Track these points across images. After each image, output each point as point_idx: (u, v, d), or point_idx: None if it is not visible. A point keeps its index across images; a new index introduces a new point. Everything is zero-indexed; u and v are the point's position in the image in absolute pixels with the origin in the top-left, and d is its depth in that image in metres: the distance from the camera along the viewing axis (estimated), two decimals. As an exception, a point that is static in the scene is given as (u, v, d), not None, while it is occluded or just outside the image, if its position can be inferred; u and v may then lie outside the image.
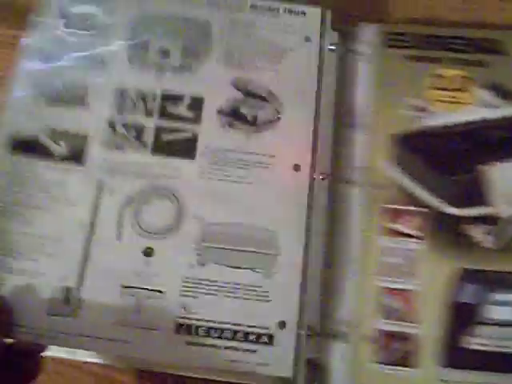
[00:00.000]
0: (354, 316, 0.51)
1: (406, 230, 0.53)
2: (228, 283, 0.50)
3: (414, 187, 0.55)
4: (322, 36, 0.58)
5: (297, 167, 0.53)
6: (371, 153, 0.55)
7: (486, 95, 0.58)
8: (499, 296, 0.52)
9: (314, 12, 0.58)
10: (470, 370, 0.50)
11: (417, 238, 0.53)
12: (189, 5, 0.58)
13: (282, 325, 0.49)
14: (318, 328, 0.50)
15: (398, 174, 0.55)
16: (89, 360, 0.48)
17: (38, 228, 0.50)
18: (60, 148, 0.52)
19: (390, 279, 0.52)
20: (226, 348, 0.48)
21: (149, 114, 0.53)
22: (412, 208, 0.54)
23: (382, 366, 0.49)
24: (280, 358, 0.48)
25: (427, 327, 0.50)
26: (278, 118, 0.54)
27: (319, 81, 0.56)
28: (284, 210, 0.51)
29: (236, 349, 0.48)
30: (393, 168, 0.55)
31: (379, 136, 0.56)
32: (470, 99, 0.58)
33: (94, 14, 0.56)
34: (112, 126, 0.53)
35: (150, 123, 0.53)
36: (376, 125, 0.56)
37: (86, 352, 0.48)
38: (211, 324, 0.49)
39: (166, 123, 0.53)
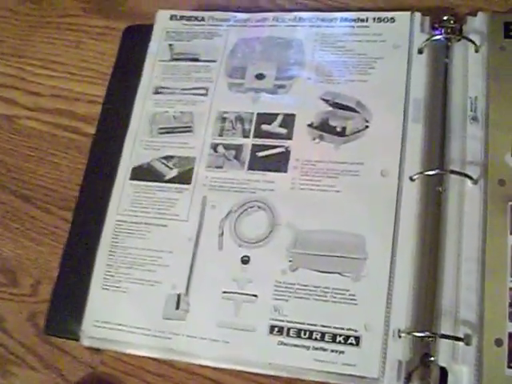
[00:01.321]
0: (481, 318, 0.50)
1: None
2: (318, 287, 0.52)
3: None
4: (410, 40, 0.59)
5: (384, 172, 0.54)
6: (492, 147, 0.54)
7: None
8: None
9: (403, 17, 0.60)
10: None
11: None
12: (281, 26, 0.63)
13: (369, 327, 0.50)
14: (429, 329, 0.50)
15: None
16: (196, 362, 0.53)
17: (154, 242, 0.57)
18: (171, 171, 0.59)
19: (519, 279, 0.50)
20: (315, 349, 0.51)
21: (245, 134, 0.59)
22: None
23: (513, 370, 0.47)
24: (366, 359, 0.49)
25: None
26: (366, 127, 0.57)
27: (407, 84, 0.57)
28: (371, 215, 0.53)
29: (324, 349, 0.50)
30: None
31: (500, 130, 0.55)
32: None
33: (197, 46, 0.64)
34: (214, 147, 0.59)
35: (247, 142, 0.59)
36: (495, 118, 0.56)
37: (194, 355, 0.53)
38: (301, 326, 0.51)
39: (260, 141, 0.59)
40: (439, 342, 0.49)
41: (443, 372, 0.49)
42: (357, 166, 0.55)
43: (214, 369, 0.52)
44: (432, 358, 0.49)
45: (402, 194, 0.54)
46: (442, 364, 0.49)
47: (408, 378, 0.49)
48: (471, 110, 0.56)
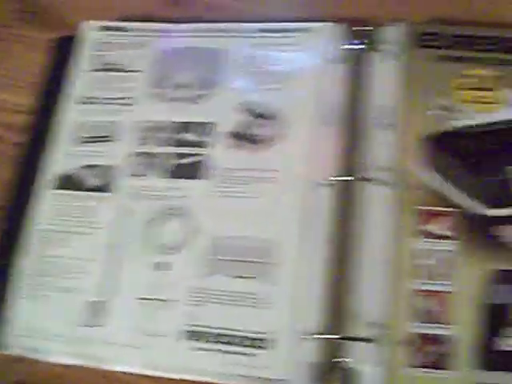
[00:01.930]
0: (386, 319, 0.52)
1: (439, 232, 0.54)
2: (232, 292, 0.54)
3: (447, 188, 0.55)
4: (329, 50, 0.62)
5: (298, 178, 0.56)
6: (401, 153, 0.57)
7: (516, 95, 0.58)
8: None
9: (323, 27, 0.63)
10: (506, 371, 0.49)
11: (450, 239, 0.53)
12: (206, 36, 0.65)
13: (281, 330, 0.52)
14: (339, 331, 0.52)
15: (429, 175, 0.56)
16: (115, 369, 0.54)
17: (74, 251, 0.58)
18: (94, 180, 0.60)
19: (423, 281, 0.52)
20: (228, 352, 0.52)
21: (167, 143, 0.60)
22: (445, 209, 0.54)
23: (417, 369, 0.50)
24: (277, 362, 0.51)
25: (462, 329, 0.50)
26: (284, 134, 0.59)
27: (323, 93, 0.60)
28: (285, 221, 0.55)
29: (237, 353, 0.52)
30: (424, 169, 0.56)
31: (409, 136, 0.57)
32: (501, 99, 0.58)
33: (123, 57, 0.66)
34: (136, 156, 0.61)
35: (168, 151, 0.60)
36: (405, 125, 0.58)
37: (112, 361, 0.54)
38: (215, 330, 0.53)
39: (181, 150, 0.60)
40: (349, 344, 0.51)
41: (352, 373, 0.51)
42: (273, 173, 0.57)
43: (132, 374, 0.53)
44: (343, 360, 0.51)
45: (315, 199, 0.56)
46: (352, 365, 0.51)
47: (318, 379, 0.51)
48: (382, 118, 0.58)
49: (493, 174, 0.55)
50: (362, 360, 0.51)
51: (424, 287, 0.52)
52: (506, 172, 0.54)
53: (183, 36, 0.66)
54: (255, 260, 0.54)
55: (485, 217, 0.54)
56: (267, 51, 0.63)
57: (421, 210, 0.54)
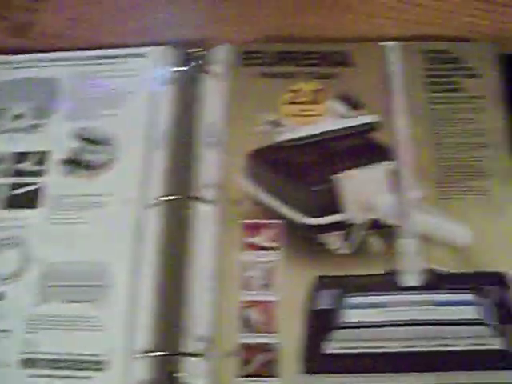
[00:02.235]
0: (215, 332, 0.54)
1: (264, 243, 0.57)
2: (68, 317, 0.55)
3: (270, 200, 0.58)
4: (163, 72, 0.64)
5: (129, 201, 0.59)
6: (227, 170, 0.60)
7: (338, 106, 0.62)
8: (354, 299, 0.54)
9: (155, 51, 0.66)
10: (332, 374, 0.52)
11: (274, 249, 0.56)
12: (42, 66, 0.67)
13: (113, 351, 0.54)
14: (171, 348, 0.54)
15: (253, 189, 0.59)
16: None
17: None
18: None
19: (249, 292, 0.55)
20: (67, 377, 0.54)
21: (3, 174, 0.62)
22: (269, 221, 0.57)
23: (245, 379, 0.52)
24: (116, 382, 0.53)
25: (287, 336, 0.53)
26: (116, 159, 0.61)
27: (154, 115, 0.62)
28: (116, 244, 0.57)
29: (76, 377, 0.54)
30: (248, 183, 0.59)
31: (235, 153, 0.60)
32: (323, 111, 0.62)
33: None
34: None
35: (5, 182, 0.61)
36: (231, 142, 0.61)
37: None
38: (53, 356, 0.54)
39: (16, 180, 0.61)
40: (182, 359, 0.54)
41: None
42: (105, 198, 0.59)
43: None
44: (176, 375, 0.53)
45: (145, 220, 0.58)
46: (185, 380, 0.53)
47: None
48: (209, 136, 0.61)
49: (316, 184, 0.58)
50: (193, 374, 0.53)
51: (250, 298, 0.55)
52: (330, 181, 0.57)
53: (20, 67, 0.67)
54: (88, 284, 0.56)
55: (308, 226, 0.57)
56: (101, 78, 0.65)
57: (246, 223, 0.57)
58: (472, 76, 0.63)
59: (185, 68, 0.64)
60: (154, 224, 0.58)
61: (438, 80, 0.63)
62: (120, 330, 0.54)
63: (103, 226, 0.58)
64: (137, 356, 0.53)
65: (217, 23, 0.69)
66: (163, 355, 0.54)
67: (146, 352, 0.53)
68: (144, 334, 0.54)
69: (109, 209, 0.59)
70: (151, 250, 0.57)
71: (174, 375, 0.53)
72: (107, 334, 0.54)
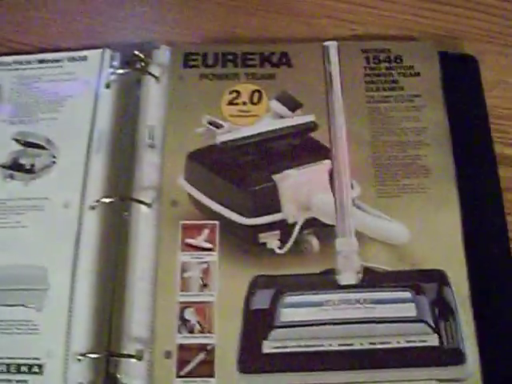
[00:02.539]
0: (151, 333, 0.54)
1: (202, 244, 0.57)
2: (5, 321, 0.55)
3: (209, 201, 0.59)
4: (104, 75, 0.64)
5: (67, 205, 0.58)
6: (167, 171, 0.60)
7: (277, 107, 0.62)
8: (291, 298, 0.54)
9: (95, 54, 0.66)
10: (269, 373, 0.52)
11: (212, 250, 0.57)
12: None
13: (51, 354, 0.54)
14: (109, 349, 0.54)
15: (192, 190, 0.59)
16: None
17: None
18: None
19: (187, 293, 0.55)
20: (2, 381, 0.54)
21: None
22: (207, 222, 0.58)
23: (182, 379, 0.53)
24: (50, 386, 0.53)
25: (225, 337, 0.54)
26: (54, 162, 0.61)
27: (93, 118, 0.62)
28: (54, 247, 0.57)
29: (9, 381, 0.54)
30: (187, 184, 0.59)
31: (175, 154, 0.60)
32: (263, 112, 0.62)
33: None
34: None
35: None
36: (171, 144, 0.61)
37: None
38: (-13, 361, 0.54)
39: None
40: (120, 361, 0.54)
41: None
42: (43, 201, 0.59)
43: None
44: (114, 377, 0.53)
45: (83, 223, 0.58)
46: (124, 381, 0.53)
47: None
48: (149, 138, 0.61)
49: (256, 184, 0.58)
50: (131, 375, 0.54)
51: (188, 299, 0.55)
52: (268, 181, 0.58)
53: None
54: (26, 287, 0.56)
55: (246, 226, 0.57)
56: (42, 82, 0.65)
57: (185, 224, 0.58)
58: (411, 74, 0.64)
59: (126, 71, 0.64)
60: (93, 227, 0.58)
61: (376, 79, 0.63)
62: (58, 332, 0.54)
63: (43, 230, 0.58)
64: (75, 358, 0.53)
65: (159, 25, 0.70)
66: (101, 357, 0.54)
67: (84, 354, 0.53)
68: (82, 336, 0.54)
69: (48, 212, 0.59)
70: (90, 253, 0.57)
71: (112, 377, 0.53)
72: (45, 337, 0.54)
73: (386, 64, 0.64)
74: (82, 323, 0.55)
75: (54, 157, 0.61)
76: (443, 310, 0.53)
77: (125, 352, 0.54)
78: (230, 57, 0.65)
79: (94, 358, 0.53)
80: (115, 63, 0.65)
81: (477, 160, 0.62)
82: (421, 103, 0.62)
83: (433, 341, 0.52)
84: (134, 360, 0.54)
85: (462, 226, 0.57)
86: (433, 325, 0.52)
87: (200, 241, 0.57)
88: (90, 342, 0.54)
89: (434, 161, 0.60)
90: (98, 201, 0.58)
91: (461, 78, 0.65)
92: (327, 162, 0.58)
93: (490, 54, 0.68)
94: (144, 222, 0.58)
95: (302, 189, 0.58)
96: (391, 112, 0.62)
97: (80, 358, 0.53)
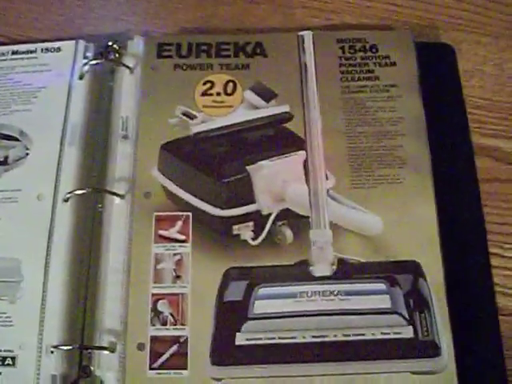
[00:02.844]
0: (124, 326, 0.54)
1: (176, 236, 0.57)
2: None
3: (182, 193, 0.58)
4: (74, 67, 0.64)
5: (40, 197, 0.58)
6: (140, 163, 0.60)
7: (251, 97, 0.62)
8: (264, 290, 0.54)
9: (68, 45, 0.65)
10: (241, 365, 0.52)
11: (185, 242, 0.56)
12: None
13: (24, 346, 0.53)
14: (79, 342, 0.54)
15: (166, 181, 0.59)
16: None
17: None
18: None
19: (160, 285, 0.55)
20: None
21: None
22: (181, 213, 0.57)
23: (155, 371, 0.52)
24: (22, 378, 0.53)
25: (198, 329, 0.53)
26: (27, 154, 0.60)
27: (67, 110, 0.62)
28: (27, 239, 0.57)
29: (-16, 372, 0.53)
30: (161, 176, 0.59)
31: (148, 146, 0.60)
32: (237, 102, 0.62)
33: None
34: None
35: None
36: (145, 135, 0.61)
37: None
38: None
39: None
40: (94, 353, 0.54)
41: (97, 380, 0.54)
42: (16, 193, 0.59)
43: None
44: (87, 369, 0.53)
45: (57, 215, 0.58)
46: (96, 373, 0.53)
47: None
48: (122, 129, 0.61)
49: (229, 175, 0.58)
50: (104, 367, 0.53)
51: (162, 291, 0.55)
52: (242, 172, 0.57)
53: None
54: (0, 279, 0.56)
55: (219, 217, 0.57)
56: (16, 73, 0.65)
57: (158, 216, 0.57)
58: (387, 64, 0.63)
59: (99, 61, 0.64)
60: (66, 219, 0.58)
61: (352, 69, 0.63)
62: (31, 325, 0.54)
63: (16, 222, 0.58)
64: (48, 350, 0.53)
65: (133, 16, 0.70)
66: (74, 349, 0.54)
67: (57, 346, 0.53)
68: (55, 328, 0.54)
69: (21, 204, 0.58)
70: (63, 245, 0.57)
71: (86, 369, 0.53)
72: (18, 329, 0.54)
73: (362, 54, 0.64)
74: (55, 315, 0.54)
75: (28, 148, 0.61)
76: (418, 302, 0.53)
77: (98, 344, 0.54)
78: (204, 47, 0.64)
79: (67, 350, 0.53)
80: (89, 54, 0.65)
81: (453, 150, 0.62)
82: (397, 93, 0.62)
83: (407, 333, 0.52)
84: (107, 352, 0.53)
85: (438, 216, 0.57)
86: (407, 317, 0.52)
87: (173, 232, 0.56)
88: (63, 334, 0.54)
89: (409, 151, 0.59)
90: (71, 192, 0.58)
91: (437, 68, 0.65)
92: (302, 152, 0.58)
93: (468, 44, 0.68)
94: (117, 213, 0.58)
95: (276, 180, 0.57)
96: (367, 102, 0.62)
97: (53, 350, 0.53)
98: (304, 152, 0.57)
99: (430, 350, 0.51)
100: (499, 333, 0.55)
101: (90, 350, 0.53)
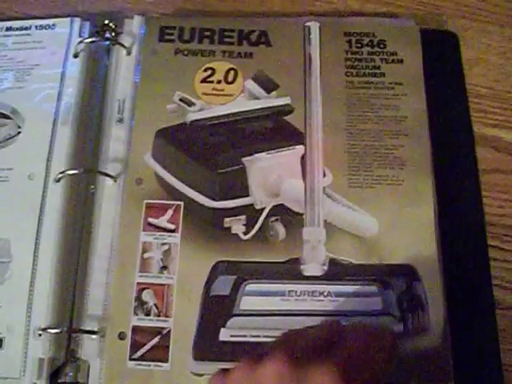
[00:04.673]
0: (110, 312, 0.54)
1: (165, 225, 0.56)
2: None
3: (175, 181, 0.58)
4: (68, 45, 0.63)
5: (32, 176, 0.58)
6: (134, 147, 0.59)
7: (252, 87, 0.61)
8: (252, 286, 0.54)
9: (63, 23, 0.64)
10: (223, 361, 0.51)
11: (174, 232, 0.56)
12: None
13: (11, 328, 0.53)
14: (67, 326, 0.53)
15: (158, 168, 0.58)
16: None
17: None
18: None
19: (146, 274, 0.55)
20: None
21: None
22: (172, 202, 0.57)
23: (135, 362, 0.52)
24: (8, 360, 0.53)
25: (181, 321, 0.53)
26: (19, 133, 0.60)
27: (61, 89, 0.61)
28: (17, 219, 0.56)
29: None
30: (154, 162, 0.58)
31: (143, 130, 0.59)
32: (238, 91, 0.61)
33: None
34: None
35: None
36: (140, 119, 0.60)
37: None
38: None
39: None
40: (79, 337, 0.53)
41: (82, 365, 0.53)
42: (6, 172, 0.58)
43: None
44: (73, 353, 0.53)
45: (47, 195, 0.57)
46: (81, 358, 0.53)
47: (50, 374, 0.53)
48: (118, 112, 0.60)
49: (224, 167, 0.57)
50: (88, 352, 0.53)
51: (147, 280, 0.55)
52: (237, 164, 0.57)
53: None
54: (-13, 259, 0.55)
55: (211, 209, 0.56)
56: (9, 50, 0.64)
57: (149, 203, 0.57)
58: (394, 61, 0.62)
59: (95, 39, 0.63)
60: (57, 199, 0.57)
61: (358, 64, 0.62)
62: (19, 307, 0.54)
63: (5, 202, 0.58)
64: (36, 333, 0.53)
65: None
66: (62, 333, 0.53)
67: (45, 329, 0.53)
68: (43, 311, 0.54)
69: (12, 184, 0.58)
70: (53, 227, 0.56)
71: (73, 353, 0.53)
72: (5, 311, 0.54)
73: (369, 49, 0.63)
74: (44, 297, 0.54)
75: (19, 127, 0.60)
76: (412, 305, 0.53)
77: (83, 328, 0.54)
78: (208, 33, 0.63)
79: (55, 334, 0.53)
80: (84, 32, 0.64)
81: (454, 140, 0.61)
82: (402, 91, 0.61)
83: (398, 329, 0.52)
84: (92, 337, 0.53)
85: (438, 216, 0.56)
86: (400, 317, 0.52)
87: (163, 221, 0.56)
88: (51, 317, 0.54)
89: (410, 152, 0.59)
90: (63, 172, 0.57)
91: (441, 55, 0.64)
92: (300, 147, 0.57)
93: (472, 32, 0.67)
94: (108, 196, 0.58)
95: (271, 174, 0.57)
96: (371, 99, 0.60)
97: (41, 333, 0.53)
98: (302, 147, 0.56)
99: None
100: (496, 327, 0.54)
101: (78, 334, 0.53)
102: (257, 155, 0.57)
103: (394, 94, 0.61)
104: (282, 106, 0.60)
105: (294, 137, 0.58)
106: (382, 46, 0.63)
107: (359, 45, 0.63)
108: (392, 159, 0.58)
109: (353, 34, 0.63)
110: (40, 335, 0.53)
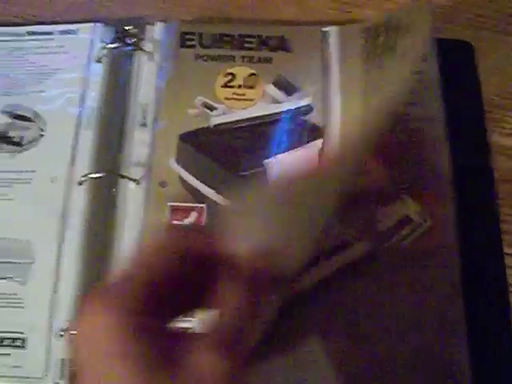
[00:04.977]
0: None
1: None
2: None
3: (198, 184, 0.58)
4: (91, 50, 0.64)
5: (54, 179, 0.58)
6: (157, 151, 0.60)
7: (272, 91, 0.62)
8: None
9: (86, 28, 0.65)
10: None
11: (199, 234, 0.56)
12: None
13: (34, 328, 0.53)
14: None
15: (182, 172, 0.59)
16: None
17: None
18: None
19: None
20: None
21: None
22: (195, 205, 0.57)
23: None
24: (31, 360, 0.53)
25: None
26: (41, 136, 0.60)
27: (83, 93, 0.62)
28: (40, 221, 0.57)
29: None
30: (178, 166, 0.59)
31: (166, 134, 0.60)
32: (258, 96, 0.62)
33: None
34: None
35: None
36: (164, 123, 0.61)
37: None
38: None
39: None
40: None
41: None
42: (29, 174, 0.59)
43: None
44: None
45: (70, 198, 0.58)
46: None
47: (72, 375, 0.52)
48: (142, 117, 0.60)
49: (247, 169, 0.58)
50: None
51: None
52: (260, 166, 0.57)
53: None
54: (11, 261, 0.56)
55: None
56: (32, 54, 0.65)
57: (172, 206, 0.57)
58: (411, 70, 0.63)
59: (118, 45, 0.64)
60: (80, 202, 0.58)
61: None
62: (41, 307, 0.54)
63: (27, 203, 0.58)
64: (58, 334, 0.53)
65: (152, 1, 0.69)
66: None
67: (64, 331, 0.53)
68: (65, 312, 0.54)
69: (35, 186, 0.58)
70: (76, 229, 0.57)
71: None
72: (28, 311, 0.54)
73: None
74: (66, 299, 0.54)
75: (42, 130, 0.60)
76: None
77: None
78: (227, 38, 0.64)
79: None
80: (106, 38, 0.65)
81: (470, 149, 0.61)
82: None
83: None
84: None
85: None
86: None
87: (187, 224, 0.56)
88: (73, 319, 0.53)
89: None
90: (85, 175, 0.58)
91: (456, 65, 0.64)
92: (318, 141, 0.58)
93: (488, 41, 0.67)
94: (131, 200, 0.58)
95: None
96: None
97: (63, 333, 0.53)
98: (321, 141, 0.57)
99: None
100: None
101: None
102: (278, 157, 0.58)
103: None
104: (302, 107, 0.61)
105: (313, 132, 0.59)
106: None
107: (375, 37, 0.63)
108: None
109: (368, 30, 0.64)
110: (62, 336, 0.53)
